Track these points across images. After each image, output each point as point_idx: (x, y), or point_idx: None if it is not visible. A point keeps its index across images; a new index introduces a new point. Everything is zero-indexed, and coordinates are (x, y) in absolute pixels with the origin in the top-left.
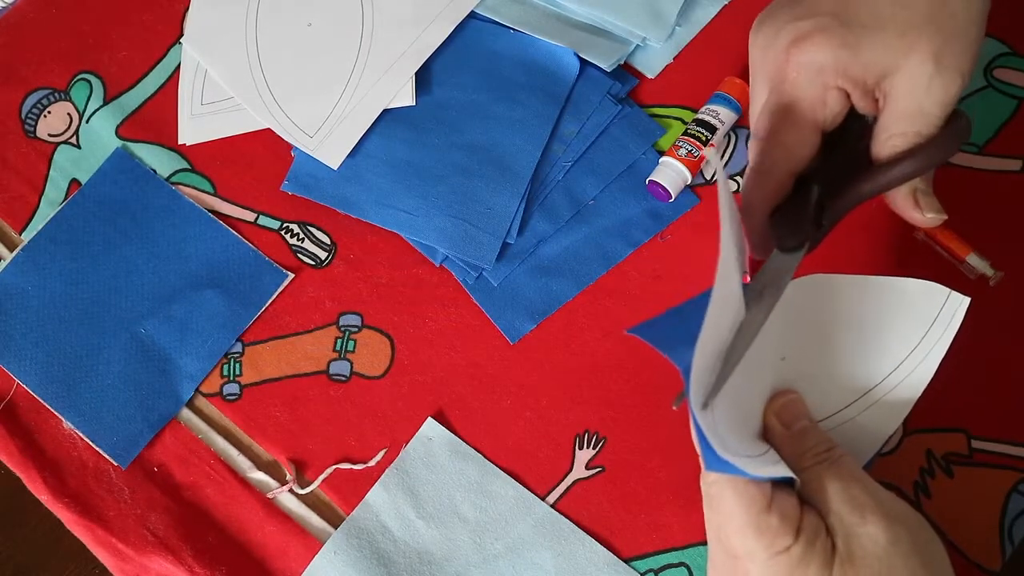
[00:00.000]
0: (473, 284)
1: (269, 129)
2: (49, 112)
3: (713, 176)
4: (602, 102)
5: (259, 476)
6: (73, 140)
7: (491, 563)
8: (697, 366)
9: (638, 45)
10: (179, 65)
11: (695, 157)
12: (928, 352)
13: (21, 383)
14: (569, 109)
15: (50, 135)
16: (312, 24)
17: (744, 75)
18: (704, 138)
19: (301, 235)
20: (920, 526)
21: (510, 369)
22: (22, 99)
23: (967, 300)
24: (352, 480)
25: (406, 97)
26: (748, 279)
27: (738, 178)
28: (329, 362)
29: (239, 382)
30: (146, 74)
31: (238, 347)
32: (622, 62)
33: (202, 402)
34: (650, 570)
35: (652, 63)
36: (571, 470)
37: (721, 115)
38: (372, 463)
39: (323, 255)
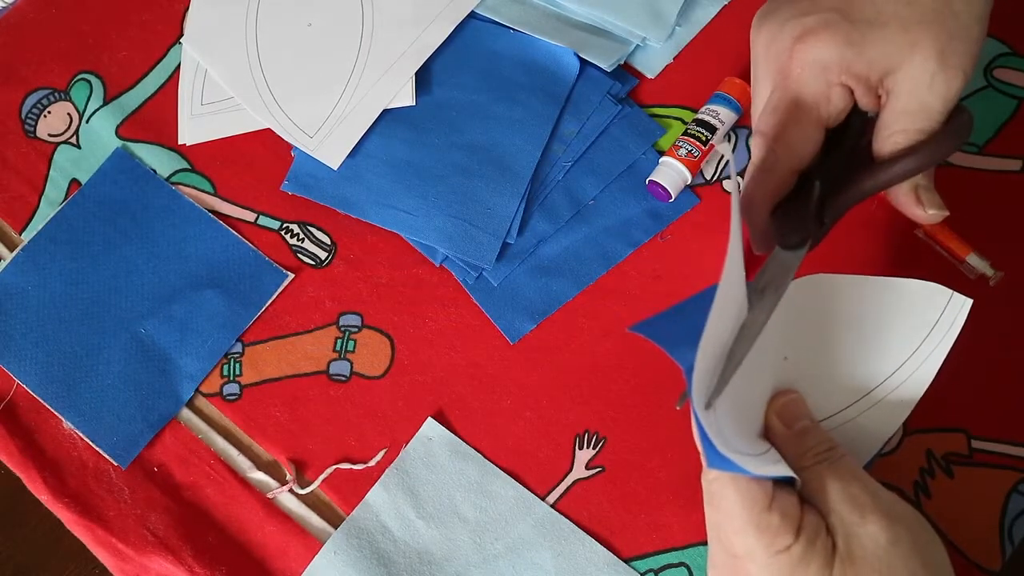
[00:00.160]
0: (473, 284)
1: (269, 129)
2: (49, 112)
3: (713, 176)
4: (602, 102)
5: (259, 476)
6: (73, 140)
7: (491, 563)
8: (700, 366)
9: (638, 45)
10: (179, 65)
11: (695, 157)
12: (930, 354)
13: (21, 383)
14: (569, 109)
15: (50, 135)
16: (312, 24)
17: (744, 75)
18: (704, 138)
19: (301, 235)
20: (920, 526)
21: (510, 369)
22: (22, 99)
23: (969, 302)
24: (352, 480)
25: (406, 97)
26: (750, 277)
27: (738, 177)
28: (329, 362)
29: (239, 382)
30: (146, 74)
31: (238, 347)
32: (622, 62)
33: (202, 402)
34: (650, 570)
35: (652, 63)
36: (571, 470)
37: (721, 115)
38: (372, 463)
39: (323, 255)
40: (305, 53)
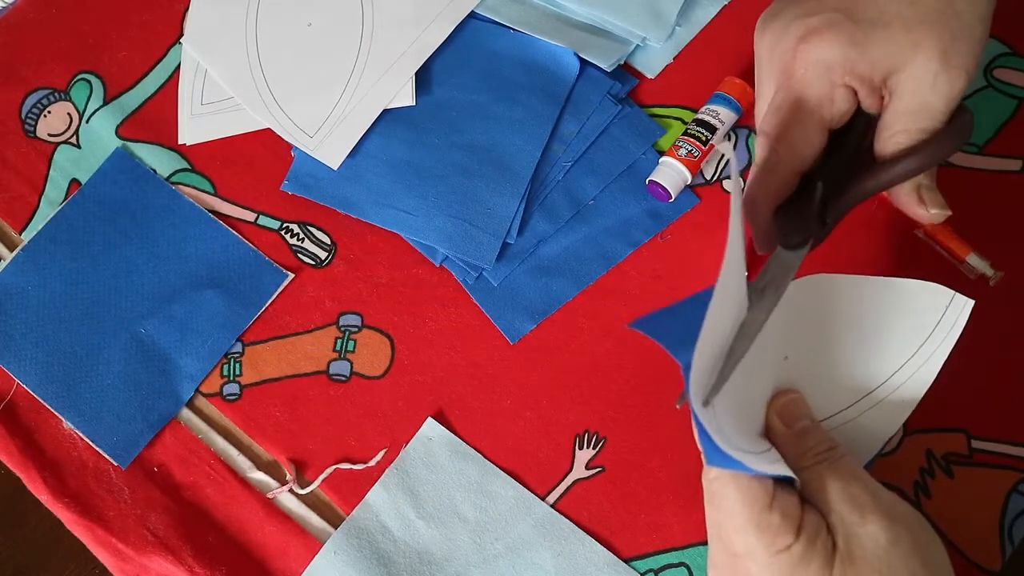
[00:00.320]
0: (473, 284)
1: (269, 129)
2: (49, 112)
3: (713, 176)
4: (602, 102)
5: (259, 476)
6: (73, 140)
7: (491, 563)
8: (698, 364)
9: (638, 45)
10: (179, 65)
11: (695, 157)
12: (931, 354)
13: (21, 383)
14: (569, 109)
15: (50, 135)
16: (312, 24)
17: (745, 75)
18: (704, 138)
19: (301, 235)
20: (920, 526)
21: (510, 369)
22: (22, 99)
23: (971, 303)
24: (352, 480)
25: (406, 97)
26: (752, 277)
27: (739, 177)
28: (329, 362)
29: (239, 382)
30: (146, 74)
31: (238, 347)
32: (622, 62)
33: (202, 402)
34: (650, 570)
35: (652, 63)
36: (571, 470)
37: (721, 115)
38: (372, 463)
39: (323, 255)
40: (305, 53)
